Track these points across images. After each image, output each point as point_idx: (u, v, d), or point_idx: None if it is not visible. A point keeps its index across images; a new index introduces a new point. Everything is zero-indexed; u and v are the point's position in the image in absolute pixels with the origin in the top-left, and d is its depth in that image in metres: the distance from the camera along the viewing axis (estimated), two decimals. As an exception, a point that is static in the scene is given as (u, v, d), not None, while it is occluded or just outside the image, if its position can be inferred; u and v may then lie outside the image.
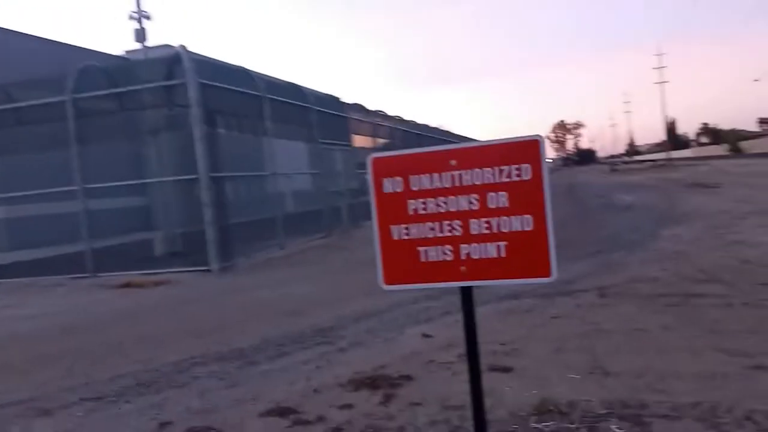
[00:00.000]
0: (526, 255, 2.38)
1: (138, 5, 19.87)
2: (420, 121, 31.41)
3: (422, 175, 2.41)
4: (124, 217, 16.58)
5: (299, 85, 17.12)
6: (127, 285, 10.07)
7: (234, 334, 6.19)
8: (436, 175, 2.40)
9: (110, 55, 25.99)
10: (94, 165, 12.65)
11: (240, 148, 14.88)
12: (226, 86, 12.70)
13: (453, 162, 2.38)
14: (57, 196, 12.92)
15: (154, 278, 10.40)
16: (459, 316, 5.86)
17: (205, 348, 5.63)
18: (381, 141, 24.37)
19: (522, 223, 2.36)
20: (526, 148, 2.34)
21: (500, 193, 2.36)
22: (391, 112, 26.04)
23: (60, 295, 10.18)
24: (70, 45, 23.13)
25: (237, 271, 11.25)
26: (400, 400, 3.81)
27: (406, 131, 27.40)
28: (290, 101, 15.73)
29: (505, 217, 2.37)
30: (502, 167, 2.34)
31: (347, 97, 22.66)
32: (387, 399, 3.86)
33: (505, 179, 2.35)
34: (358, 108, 22.44)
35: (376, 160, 2.48)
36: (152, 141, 13.67)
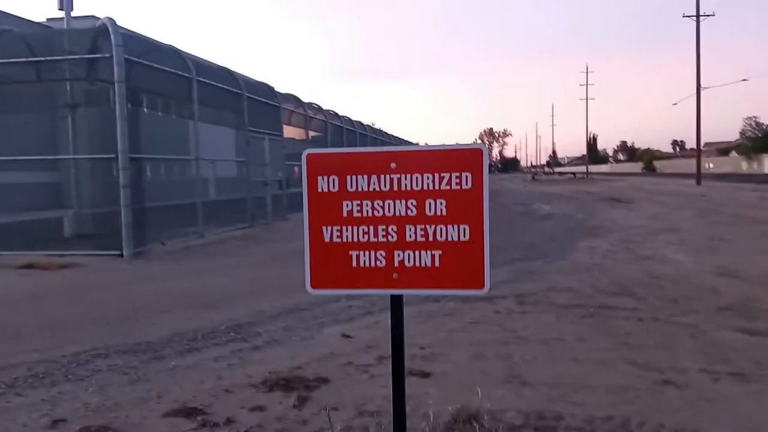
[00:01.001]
0: (460, 266, 2.29)
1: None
2: (353, 116, 31.28)
3: (359, 176, 2.27)
4: (32, 193, 15.55)
5: (231, 70, 16.59)
6: (30, 266, 9.38)
7: (142, 325, 5.84)
8: (374, 177, 2.27)
9: (31, 21, 24.44)
10: (4, 136, 11.78)
11: (164, 129, 14.27)
12: (153, 65, 12.10)
13: (393, 165, 2.26)
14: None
15: (60, 260, 9.75)
16: (380, 317, 5.81)
17: (109, 339, 5.27)
18: (312, 133, 24.07)
19: (459, 232, 2.27)
20: (469, 157, 2.25)
21: (439, 200, 2.26)
22: (325, 106, 25.77)
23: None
24: (-14, 5, 21.54)
25: (151, 257, 10.73)
26: (314, 404, 3.67)
27: (339, 126, 27.20)
28: (221, 85, 15.20)
29: (441, 226, 2.27)
30: (443, 174, 2.24)
31: (282, 87, 22.19)
32: (301, 402, 3.70)
33: (444, 186, 2.25)
34: (292, 99, 22.04)
35: (311, 157, 2.33)
36: (70, 115, 12.85)
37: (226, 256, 11.23)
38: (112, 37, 10.62)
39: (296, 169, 20.75)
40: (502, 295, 6.69)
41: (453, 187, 2.25)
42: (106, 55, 10.75)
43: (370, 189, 2.27)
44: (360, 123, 32.79)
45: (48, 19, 25.02)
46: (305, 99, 23.37)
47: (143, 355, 4.82)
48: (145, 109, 11.93)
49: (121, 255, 10.42)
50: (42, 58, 11.45)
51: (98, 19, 11.28)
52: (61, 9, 12.88)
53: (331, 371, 4.25)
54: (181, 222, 13.33)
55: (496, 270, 8.32)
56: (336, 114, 27.53)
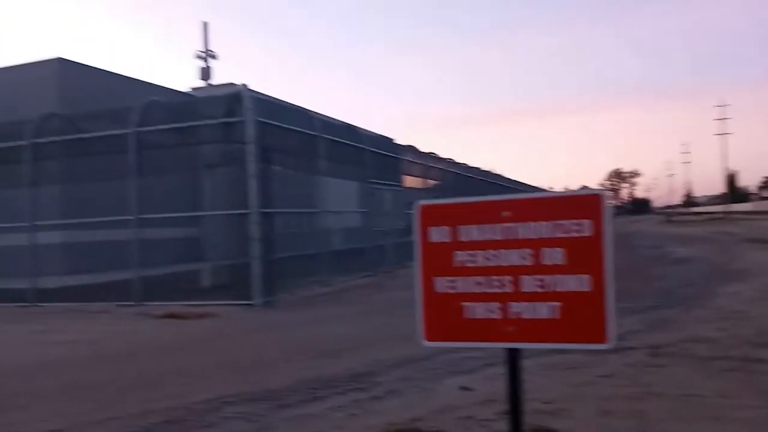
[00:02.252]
0: (581, 318, 2.13)
1: (205, 45, 20.62)
2: (472, 163, 31.27)
3: (471, 226, 2.21)
4: (174, 247, 16.79)
5: (354, 126, 17.25)
6: (170, 316, 10.04)
7: (269, 373, 6.00)
8: (486, 226, 2.19)
9: (176, 91, 26.91)
10: (150, 195, 12.87)
11: (292, 184, 14.96)
12: (283, 125, 12.84)
13: (506, 213, 2.17)
14: (112, 224, 13.17)
15: (198, 310, 10.36)
16: (502, 369, 5.58)
17: (238, 386, 5.45)
18: (432, 182, 24.30)
19: (578, 282, 2.12)
20: (587, 203, 2.11)
21: (556, 249, 2.14)
22: (443, 154, 26.02)
23: (103, 322, 10.22)
24: (139, 80, 24.03)
25: (280, 306, 11.12)
26: (434, 459, 3.53)
27: (457, 173, 27.28)
28: (344, 141, 15.81)
29: (560, 276, 2.14)
30: (560, 221, 2.12)
31: (401, 138, 22.79)
32: (421, 457, 3.58)
33: (562, 235, 2.12)
34: (411, 150, 22.46)
35: (424, 208, 2.30)
36: (208, 175, 13.86)
37: (349, 304, 11.41)
38: (245, 102, 11.41)
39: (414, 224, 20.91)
40: (634, 347, 6.22)
41: (571, 235, 2.11)
42: (240, 118, 11.54)
43: (483, 238, 2.19)
44: (478, 169, 32.68)
45: (192, 89, 27.46)
46: (424, 148, 23.75)
47: (269, 402, 4.92)
48: (275, 167, 12.58)
49: (252, 305, 10.90)
50: (184, 124, 12.49)
51: (235, 86, 12.18)
52: (202, 79, 14.04)
53: (449, 425, 4.11)
54: (307, 272, 13.78)
55: (627, 319, 7.78)
56: (453, 161, 27.67)
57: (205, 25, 22.02)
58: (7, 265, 13.60)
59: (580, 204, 2.10)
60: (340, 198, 16.96)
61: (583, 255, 2.10)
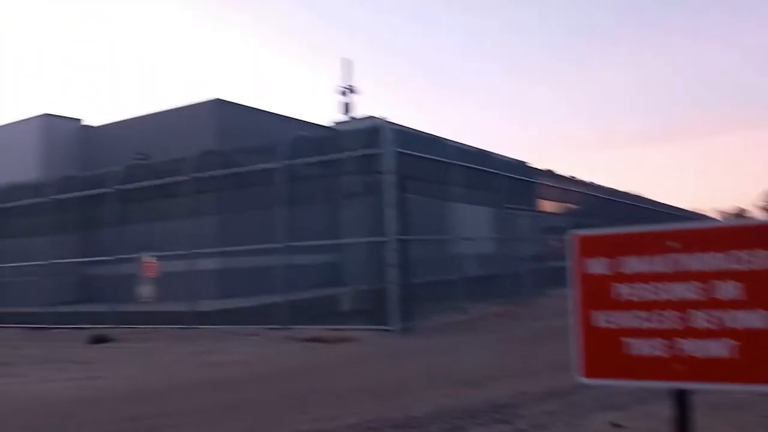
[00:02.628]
0: (758, 357, 1.93)
1: (347, 81, 21.72)
2: (615, 185, 29.77)
3: (634, 257, 2.08)
4: (317, 273, 17.51)
5: (488, 151, 17.14)
6: (314, 339, 10.44)
7: (409, 399, 6.02)
8: (650, 258, 2.06)
9: (319, 125, 28.39)
10: (296, 224, 13.56)
11: (427, 211, 15.11)
12: (419, 154, 13.07)
13: (673, 244, 2.03)
14: (262, 251, 14.01)
15: (339, 334, 10.68)
16: (657, 406, 5.17)
17: (381, 411, 5.51)
18: (570, 206, 23.41)
19: (757, 319, 1.92)
20: (765, 233, 1.92)
21: (730, 282, 1.96)
22: (583, 176, 25.02)
23: (254, 344, 10.83)
24: (286, 116, 25.65)
25: (417, 332, 11.18)
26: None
27: (599, 197, 26.06)
28: (478, 167, 15.74)
29: (735, 311, 1.95)
30: (735, 253, 1.94)
31: (537, 162, 22.28)
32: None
33: (737, 267, 1.94)
34: (547, 173, 21.85)
35: (581, 239, 2.20)
36: (348, 204, 14.39)
37: (485, 332, 11.22)
38: (384, 134, 11.78)
39: (554, 243, 20.25)
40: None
41: (748, 268, 1.93)
42: (380, 150, 11.91)
43: (647, 271, 2.06)
44: (620, 191, 31.01)
45: (335, 123, 28.86)
46: (561, 171, 23.00)
47: (411, 430, 4.93)
48: (411, 195, 12.81)
49: (390, 330, 11.06)
50: (327, 157, 13.10)
51: (375, 118, 12.63)
52: (344, 113, 14.67)
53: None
54: (442, 298, 13.77)
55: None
56: (593, 184, 26.49)
57: (347, 62, 23.15)
58: (168, 290, 14.87)
59: (758, 234, 1.92)
60: (474, 224, 16.85)
61: (762, 289, 1.91)
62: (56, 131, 26.29)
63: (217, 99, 22.66)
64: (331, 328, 11.46)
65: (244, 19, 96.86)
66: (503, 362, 8.10)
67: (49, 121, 26.16)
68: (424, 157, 13.40)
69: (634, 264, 2.09)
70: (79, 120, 27.22)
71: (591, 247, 2.17)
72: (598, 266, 2.16)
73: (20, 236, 17.88)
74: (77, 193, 16.73)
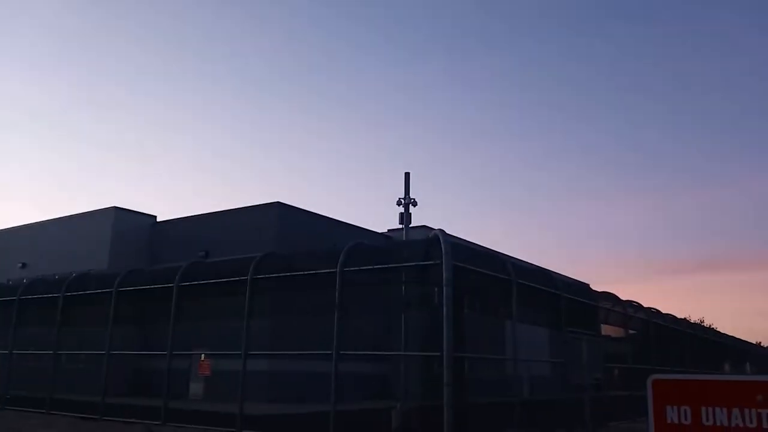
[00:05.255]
0: None
1: (406, 193, 22.40)
2: (679, 313, 28.58)
3: (717, 408, 2.02)
4: (367, 383, 17.21)
5: (548, 270, 16.95)
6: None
7: None
8: (736, 410, 1.99)
9: (376, 232, 28.92)
10: (349, 332, 13.52)
11: (483, 328, 14.85)
12: (477, 269, 13.04)
13: (760, 397, 1.97)
14: (313, 356, 13.95)
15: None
16: None
17: None
18: (632, 332, 22.52)
19: None
20: None
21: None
22: (646, 302, 24.19)
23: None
24: (344, 222, 26.34)
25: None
26: None
27: (661, 325, 25.02)
28: (538, 286, 15.52)
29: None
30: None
31: (597, 285, 21.83)
32: None
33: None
34: (609, 297, 21.27)
35: (658, 383, 2.17)
36: (403, 315, 14.32)
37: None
38: (442, 246, 11.86)
39: (615, 371, 19.33)
40: None
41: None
42: (436, 261, 11.95)
43: (732, 425, 1.99)
44: (686, 320, 29.71)
45: (389, 230, 29.33)
46: (623, 295, 22.34)
47: None
48: (467, 310, 12.69)
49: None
50: (383, 266, 13.23)
51: (430, 228, 12.81)
52: (402, 224, 14.96)
53: None
54: (498, 422, 13.18)
55: None
56: (658, 312, 25.51)
57: (407, 175, 23.95)
58: (218, 388, 14.86)
59: None
60: (531, 345, 16.36)
61: None
62: (127, 225, 27.73)
63: (278, 202, 23.58)
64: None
65: (311, 125, 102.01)
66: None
67: (119, 214, 27.71)
68: (481, 272, 13.35)
69: (717, 416, 2.02)
70: (150, 216, 28.71)
71: (669, 394, 2.12)
72: (678, 415, 2.09)
73: (83, 325, 18.46)
74: (140, 287, 17.31)
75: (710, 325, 40.77)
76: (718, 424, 2.01)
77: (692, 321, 31.76)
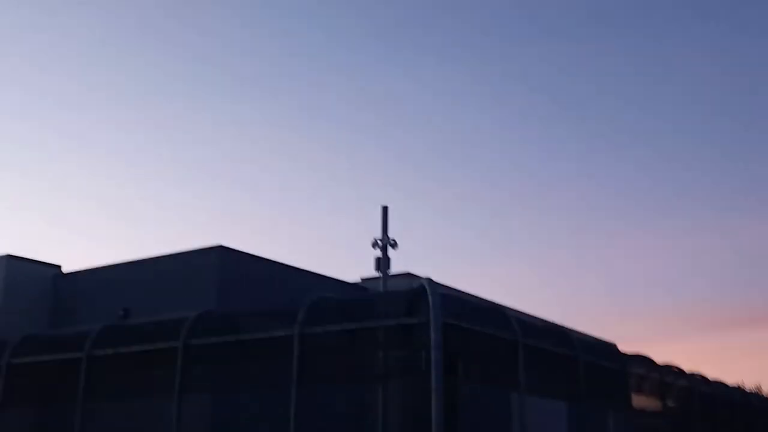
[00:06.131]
0: None
1: (384, 233, 22.11)
2: (725, 377, 28.79)
3: None
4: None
5: (563, 327, 17.06)
6: None
7: None
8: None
9: (346, 283, 28.83)
10: (312, 409, 13.39)
11: (483, 402, 14.83)
12: (474, 327, 13.07)
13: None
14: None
15: None
16: None
17: None
18: (671, 405, 22.63)
19: None
20: None
21: None
22: (686, 365, 24.37)
23: None
24: (303, 270, 26.22)
25: None
26: None
27: (708, 395, 25.19)
28: (550, 348, 15.59)
29: None
30: None
31: (626, 345, 21.90)
32: None
33: None
34: (641, 360, 21.40)
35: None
36: (380, 388, 14.24)
37: None
38: (429, 298, 11.89)
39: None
40: None
41: None
42: (423, 319, 11.97)
43: None
44: (740, 389, 29.93)
45: (362, 279, 29.26)
46: (659, 358, 22.49)
47: None
48: (462, 379, 12.68)
49: None
50: (354, 325, 13.19)
51: (415, 276, 12.85)
52: (378, 270, 14.98)
53: None
54: None
55: None
56: (704, 378, 25.71)
57: (385, 209, 23.67)
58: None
59: None
60: (544, 422, 16.35)
61: None
62: (22, 276, 27.18)
63: (220, 246, 23.43)
64: None
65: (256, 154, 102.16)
66: None
67: (12, 264, 27.06)
68: (480, 331, 13.38)
69: None
70: (53, 266, 28.18)
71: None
72: None
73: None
74: (38, 356, 17.00)
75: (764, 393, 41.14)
76: None
77: (747, 389, 31.97)
